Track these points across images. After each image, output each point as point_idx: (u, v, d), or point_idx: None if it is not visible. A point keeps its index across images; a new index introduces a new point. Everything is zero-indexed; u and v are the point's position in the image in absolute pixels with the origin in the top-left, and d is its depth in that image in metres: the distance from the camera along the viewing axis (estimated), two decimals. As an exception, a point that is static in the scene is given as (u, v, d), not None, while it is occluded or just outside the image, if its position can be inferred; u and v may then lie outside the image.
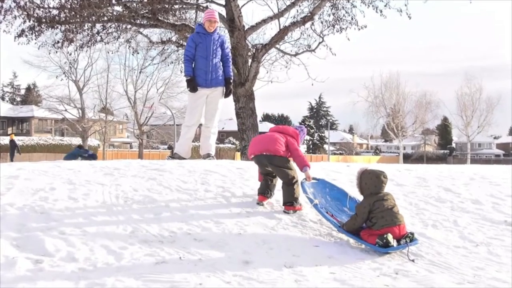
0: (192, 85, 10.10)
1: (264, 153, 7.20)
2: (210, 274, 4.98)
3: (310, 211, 7.03)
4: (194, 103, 10.44)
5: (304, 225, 6.67)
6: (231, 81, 10.58)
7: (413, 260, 5.79)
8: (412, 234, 6.11)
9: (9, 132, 69.11)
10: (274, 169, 7.21)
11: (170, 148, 62.93)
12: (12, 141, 40.85)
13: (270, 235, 6.23)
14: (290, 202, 7.04)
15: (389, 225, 6.06)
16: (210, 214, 6.73)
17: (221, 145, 68.78)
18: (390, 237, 5.92)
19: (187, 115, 10.75)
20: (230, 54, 10.60)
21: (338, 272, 5.29)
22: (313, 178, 7.36)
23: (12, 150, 39.89)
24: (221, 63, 10.39)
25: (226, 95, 10.59)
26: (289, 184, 7.09)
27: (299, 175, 7.23)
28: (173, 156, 10.92)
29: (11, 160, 37.42)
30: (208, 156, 10.64)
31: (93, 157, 25.39)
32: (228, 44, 10.70)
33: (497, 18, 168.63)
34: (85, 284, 4.60)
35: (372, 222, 6.15)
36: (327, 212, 6.79)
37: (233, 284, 4.82)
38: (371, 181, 6.37)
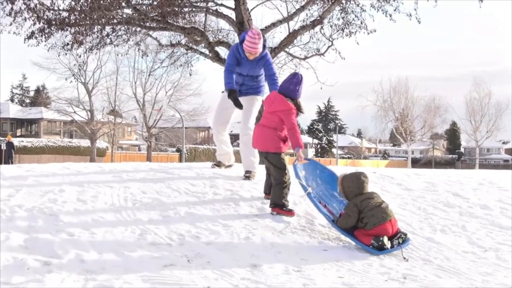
0: (234, 97, 8.34)
1: (261, 150, 7.37)
2: (218, 277, 4.98)
3: (318, 214, 7.02)
4: (221, 110, 9.19)
5: (313, 229, 6.67)
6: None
7: (407, 260, 5.86)
8: (405, 234, 6.23)
9: (18, 134, 69.34)
10: (269, 165, 7.27)
11: (179, 151, 62.92)
12: (9, 142, 40.55)
13: (279, 238, 6.23)
14: (273, 205, 7.06)
15: (380, 222, 6.17)
16: (218, 217, 6.73)
17: (230, 148, 68.69)
18: (385, 239, 6.04)
19: (213, 120, 9.57)
20: (275, 72, 8.71)
21: (346, 276, 5.28)
22: (305, 159, 7.28)
23: (10, 151, 39.61)
24: (263, 78, 8.89)
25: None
26: (276, 186, 7.11)
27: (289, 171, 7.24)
28: (218, 164, 9.73)
29: (11, 162, 37.22)
30: (246, 173, 8.91)
31: None
32: (271, 61, 8.81)
33: (507, 22, 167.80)
34: (93, 285, 4.61)
35: (363, 223, 6.24)
36: (320, 202, 6.84)
37: (241, 287, 4.82)
38: (352, 183, 6.49)
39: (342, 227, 6.33)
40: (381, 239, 6.01)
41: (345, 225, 6.32)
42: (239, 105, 8.30)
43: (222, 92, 8.78)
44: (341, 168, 8.39)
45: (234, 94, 8.25)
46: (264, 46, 8.32)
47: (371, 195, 6.42)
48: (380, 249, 5.99)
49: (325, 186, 7.25)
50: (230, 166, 9.74)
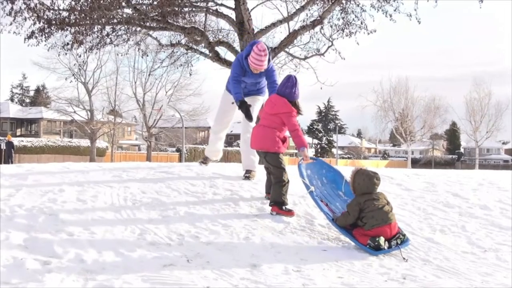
0: (246, 108, 8.18)
1: (260, 150, 7.40)
2: (217, 277, 4.98)
3: (318, 214, 7.02)
4: (223, 112, 9.14)
5: (312, 229, 6.67)
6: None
7: (406, 260, 5.86)
8: (404, 235, 6.24)
9: (18, 133, 69.23)
10: (267, 165, 7.33)
11: (179, 150, 62.92)
12: (9, 142, 40.39)
13: (278, 238, 6.23)
14: (273, 203, 7.10)
15: (379, 224, 6.17)
16: (218, 217, 6.73)
17: (229, 148, 68.74)
18: (382, 240, 6.05)
19: (214, 120, 9.64)
20: (276, 79, 8.46)
21: (345, 277, 5.28)
22: (311, 158, 7.35)
23: (9, 151, 39.46)
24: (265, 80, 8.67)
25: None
26: (276, 184, 7.14)
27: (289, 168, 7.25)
28: (204, 161, 9.89)
29: (11, 162, 37.15)
30: (246, 173, 8.90)
31: None
32: (274, 68, 8.64)
33: (507, 22, 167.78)
34: (93, 285, 4.61)
35: (363, 222, 6.24)
36: (321, 201, 6.84)
37: (241, 287, 4.82)
38: (363, 182, 6.45)
39: (341, 225, 6.35)
40: (377, 239, 6.01)
41: (343, 223, 6.33)
42: (249, 117, 8.28)
43: (232, 103, 8.62)
44: (342, 168, 8.37)
45: (246, 105, 8.21)
46: (268, 60, 8.20)
47: (377, 195, 6.39)
48: (376, 249, 6.01)
49: (331, 186, 7.27)
50: (216, 161, 10.02)
